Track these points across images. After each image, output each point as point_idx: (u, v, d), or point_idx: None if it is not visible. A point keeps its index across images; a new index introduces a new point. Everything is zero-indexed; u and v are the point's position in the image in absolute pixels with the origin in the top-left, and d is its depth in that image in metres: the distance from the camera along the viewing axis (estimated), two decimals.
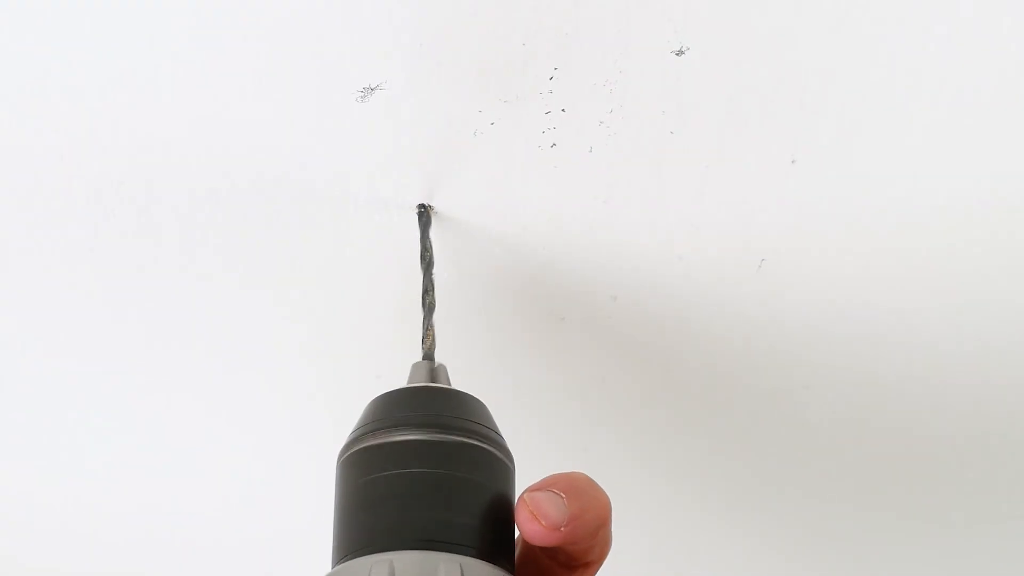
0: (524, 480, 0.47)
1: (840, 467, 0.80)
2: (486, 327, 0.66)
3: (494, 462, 0.46)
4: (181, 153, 0.57)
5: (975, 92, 0.54)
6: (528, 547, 0.45)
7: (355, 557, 0.43)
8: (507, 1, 0.49)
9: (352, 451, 0.47)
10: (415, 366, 0.52)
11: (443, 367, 0.52)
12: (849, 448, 0.79)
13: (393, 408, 0.48)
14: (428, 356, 0.53)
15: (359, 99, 0.53)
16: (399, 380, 0.51)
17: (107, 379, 0.71)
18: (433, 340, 0.54)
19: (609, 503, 0.43)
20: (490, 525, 0.43)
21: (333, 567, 0.44)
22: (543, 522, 0.42)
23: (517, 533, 0.44)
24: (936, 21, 0.51)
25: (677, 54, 0.51)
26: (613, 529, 0.46)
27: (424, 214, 0.59)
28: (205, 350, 0.70)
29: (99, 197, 0.59)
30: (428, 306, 0.55)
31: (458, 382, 0.51)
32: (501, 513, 0.44)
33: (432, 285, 0.56)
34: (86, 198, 0.59)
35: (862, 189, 0.59)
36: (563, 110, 0.54)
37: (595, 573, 0.45)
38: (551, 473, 0.44)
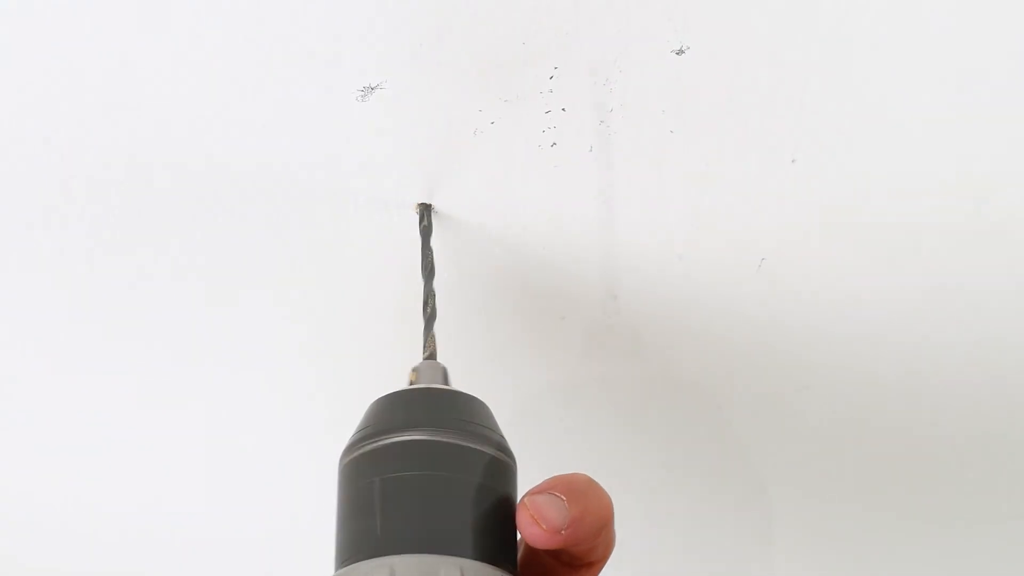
0: (525, 481, 0.46)
1: (839, 466, 0.80)
2: (486, 327, 0.66)
3: (495, 463, 0.46)
4: (181, 153, 0.57)
5: (976, 92, 0.54)
6: (531, 548, 0.45)
7: (356, 562, 0.43)
8: (507, 1, 0.49)
9: (353, 455, 0.47)
10: (416, 367, 0.52)
11: (444, 368, 0.51)
12: (848, 448, 0.79)
13: (394, 410, 0.48)
14: (429, 357, 0.53)
15: (359, 99, 0.53)
16: (400, 381, 0.51)
17: (108, 379, 0.71)
18: (434, 341, 0.54)
19: (611, 504, 0.43)
20: (492, 527, 0.43)
21: (335, 572, 0.44)
22: (544, 525, 0.42)
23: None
24: (936, 20, 0.51)
25: (677, 54, 0.51)
26: (615, 528, 0.46)
27: (425, 217, 0.59)
28: (204, 350, 0.70)
29: (98, 198, 0.59)
30: (428, 306, 0.55)
31: (458, 382, 0.51)
32: (503, 515, 0.44)
33: (431, 283, 0.56)
34: (86, 198, 0.59)
35: (862, 189, 0.59)
36: (563, 110, 0.54)
37: (599, 572, 0.45)
38: (552, 475, 0.44)
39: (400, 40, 0.50)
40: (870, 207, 0.60)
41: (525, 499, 0.43)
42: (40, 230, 0.61)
